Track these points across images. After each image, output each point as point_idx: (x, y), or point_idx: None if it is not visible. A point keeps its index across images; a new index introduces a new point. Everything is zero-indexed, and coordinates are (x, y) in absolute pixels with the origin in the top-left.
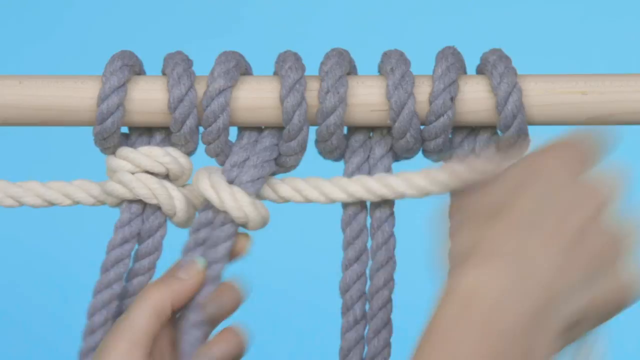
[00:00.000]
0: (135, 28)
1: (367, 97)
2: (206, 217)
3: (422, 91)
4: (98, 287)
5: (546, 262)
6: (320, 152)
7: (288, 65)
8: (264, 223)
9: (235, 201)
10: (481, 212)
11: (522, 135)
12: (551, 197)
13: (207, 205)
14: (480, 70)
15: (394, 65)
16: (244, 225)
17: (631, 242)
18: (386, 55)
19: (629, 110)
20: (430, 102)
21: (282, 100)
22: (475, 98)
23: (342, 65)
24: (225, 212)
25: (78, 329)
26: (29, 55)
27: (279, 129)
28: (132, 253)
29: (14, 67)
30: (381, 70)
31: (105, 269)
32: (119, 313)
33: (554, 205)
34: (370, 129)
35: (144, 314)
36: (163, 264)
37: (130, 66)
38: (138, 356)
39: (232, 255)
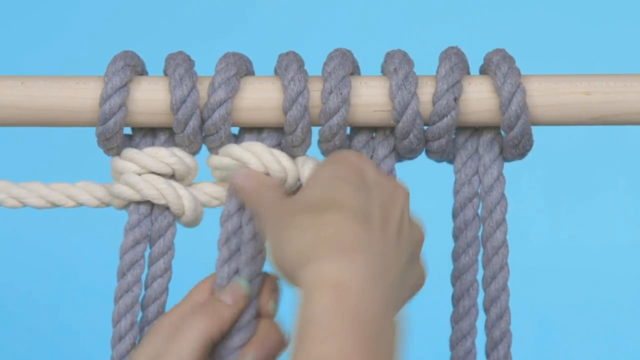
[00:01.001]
0: (138, 28)
1: (370, 98)
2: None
3: (426, 91)
4: (118, 293)
5: (387, 251)
6: (323, 153)
7: (290, 75)
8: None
9: (277, 163)
10: (306, 208)
11: (525, 136)
12: (370, 190)
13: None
14: (483, 71)
15: (397, 65)
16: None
17: (423, 235)
18: (389, 56)
19: (633, 111)
20: (434, 103)
21: (284, 111)
22: (479, 98)
23: (345, 66)
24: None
25: (79, 328)
26: (32, 58)
27: (279, 129)
28: (146, 255)
29: (17, 69)
30: (384, 71)
31: (122, 274)
32: (144, 320)
33: (374, 198)
34: (373, 129)
35: (192, 345)
36: (176, 265)
37: (132, 66)
38: None
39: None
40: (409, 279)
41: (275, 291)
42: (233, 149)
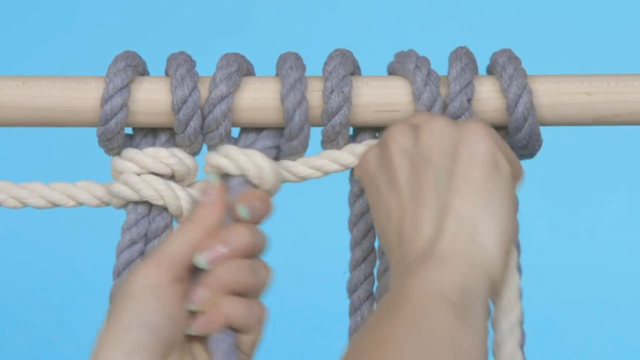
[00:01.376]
0: (140, 29)
1: (371, 98)
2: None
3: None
4: (113, 292)
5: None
6: None
7: (288, 64)
8: (277, 184)
9: (251, 162)
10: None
11: (533, 137)
12: (391, 172)
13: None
14: (489, 71)
15: (417, 63)
16: (259, 186)
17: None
18: (403, 55)
19: (635, 111)
20: (447, 104)
21: (282, 99)
22: (486, 98)
23: (346, 65)
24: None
25: (81, 327)
26: (34, 58)
27: (277, 129)
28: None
29: (19, 70)
30: (399, 70)
31: (117, 273)
32: None
33: (397, 176)
34: (376, 129)
35: (177, 242)
36: None
37: (133, 66)
38: (166, 278)
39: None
40: (498, 187)
41: (250, 198)
42: (210, 156)
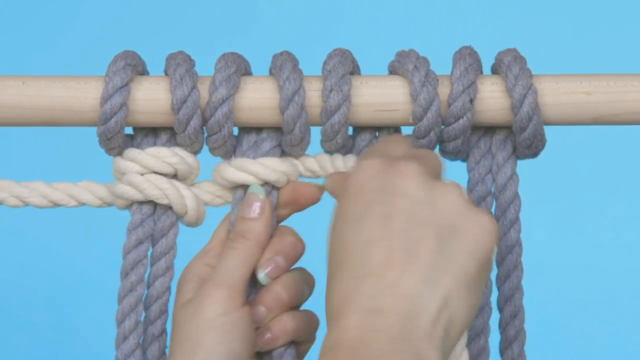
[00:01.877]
0: (139, 29)
1: (370, 97)
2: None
3: (441, 91)
4: (122, 293)
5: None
6: (326, 152)
7: (285, 75)
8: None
9: (265, 167)
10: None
11: (538, 136)
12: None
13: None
14: (494, 70)
15: (416, 63)
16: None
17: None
18: (403, 55)
19: (633, 110)
20: (450, 104)
21: (282, 111)
22: (491, 97)
23: (345, 64)
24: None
25: (86, 327)
26: (36, 61)
27: (278, 129)
28: (149, 254)
29: (23, 71)
30: (399, 70)
31: (125, 274)
32: (147, 320)
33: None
34: (376, 128)
35: (239, 263)
36: (179, 264)
37: (133, 66)
38: (238, 304)
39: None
40: (482, 281)
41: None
42: (225, 170)
